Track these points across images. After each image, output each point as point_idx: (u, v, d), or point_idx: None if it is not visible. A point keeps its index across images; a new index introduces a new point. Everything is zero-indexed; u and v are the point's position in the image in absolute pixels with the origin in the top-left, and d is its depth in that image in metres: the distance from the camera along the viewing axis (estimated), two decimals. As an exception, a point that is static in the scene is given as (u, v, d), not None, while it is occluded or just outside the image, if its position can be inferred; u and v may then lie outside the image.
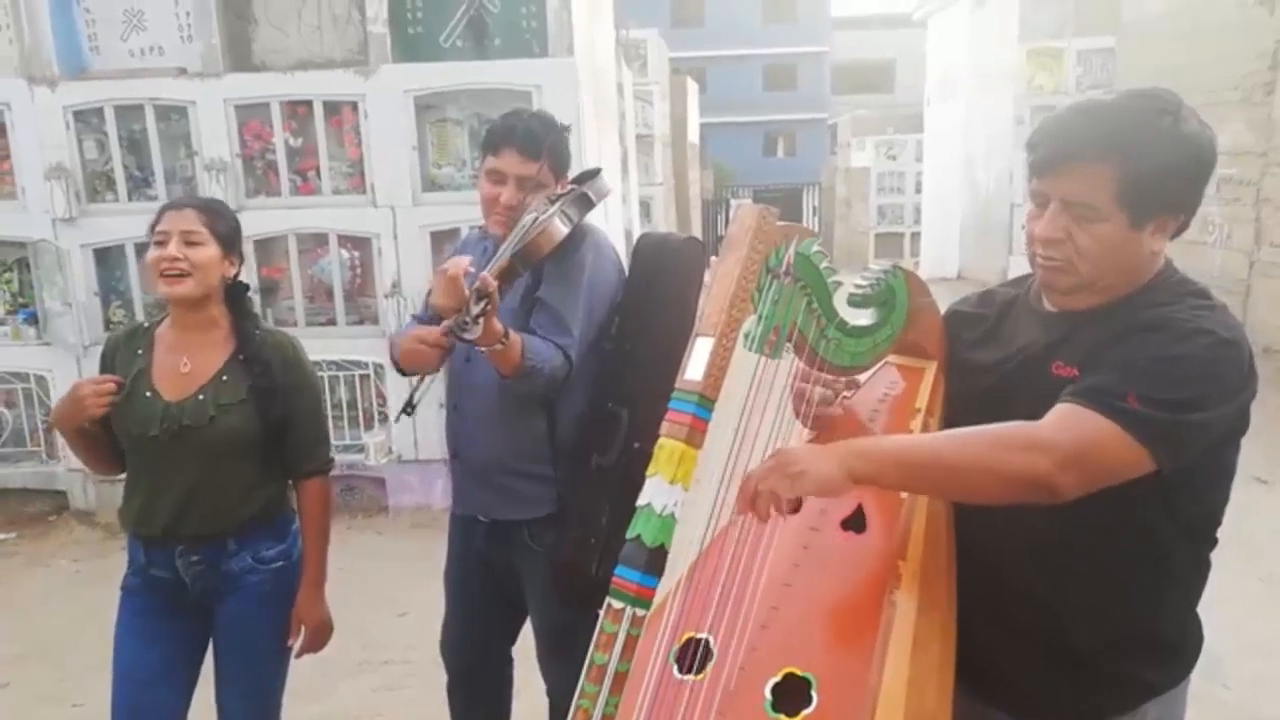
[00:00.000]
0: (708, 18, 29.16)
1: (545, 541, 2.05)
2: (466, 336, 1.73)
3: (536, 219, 1.91)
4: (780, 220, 1.18)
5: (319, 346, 4.62)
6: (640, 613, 1.01)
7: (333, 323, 4.61)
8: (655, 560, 1.07)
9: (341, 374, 4.60)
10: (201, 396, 1.94)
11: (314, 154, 4.45)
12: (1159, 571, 1.34)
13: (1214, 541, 1.38)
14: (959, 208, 14.90)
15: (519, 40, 4.42)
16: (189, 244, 1.91)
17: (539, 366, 1.89)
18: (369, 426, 4.63)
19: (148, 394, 1.94)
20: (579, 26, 4.45)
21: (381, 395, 4.63)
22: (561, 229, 1.91)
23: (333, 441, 4.81)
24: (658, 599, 1.08)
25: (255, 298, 4.54)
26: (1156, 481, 1.20)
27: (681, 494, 1.11)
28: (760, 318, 1.21)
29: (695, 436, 1.10)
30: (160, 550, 1.98)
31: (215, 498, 1.95)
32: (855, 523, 1.33)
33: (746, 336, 1.21)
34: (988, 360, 1.44)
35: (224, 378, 1.96)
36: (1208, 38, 7.21)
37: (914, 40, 20.88)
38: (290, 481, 2.07)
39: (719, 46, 28.34)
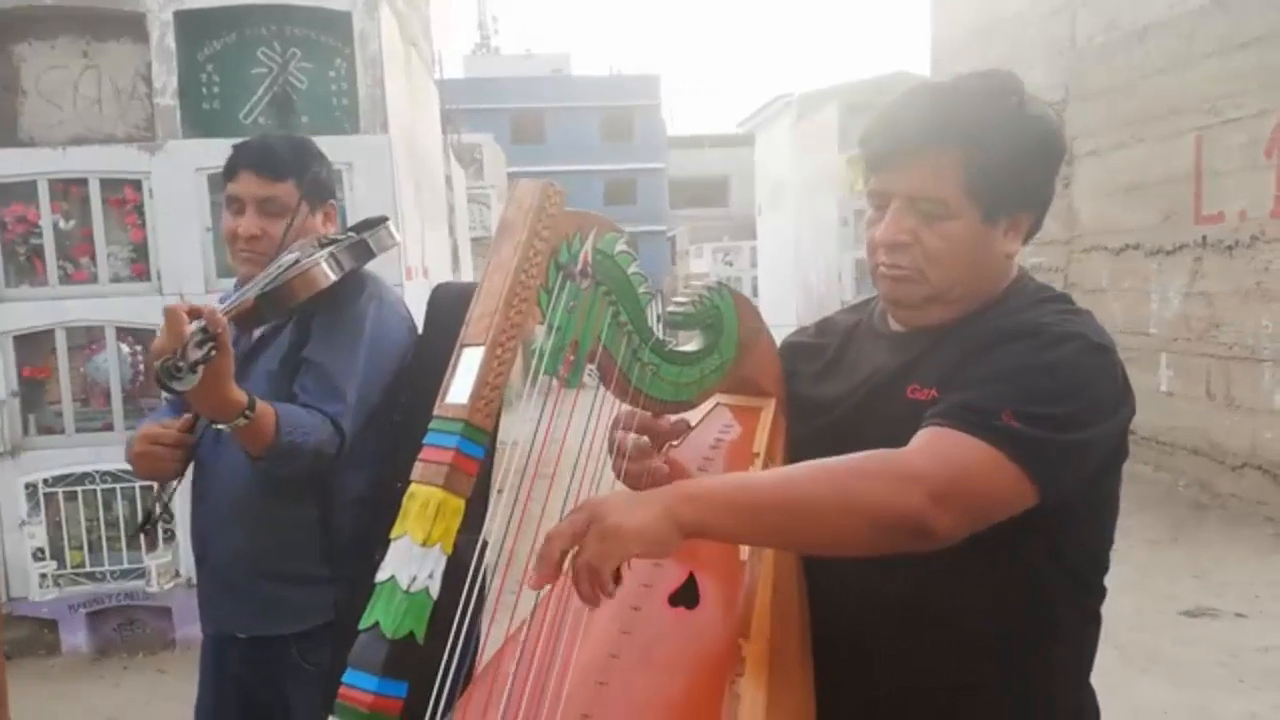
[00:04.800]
0: (548, 136, 30.00)
1: (320, 659, 1.63)
2: (176, 386, 1.34)
3: (298, 260, 1.58)
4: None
5: (92, 455, 4.01)
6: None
7: (110, 427, 4.01)
8: (399, 657, 0.75)
9: (119, 486, 3.99)
10: None
11: (89, 238, 3.95)
12: (1046, 629, 1.12)
13: (1102, 591, 1.19)
14: (794, 307, 15.42)
15: (329, 118, 4.13)
16: None
17: (299, 442, 1.53)
18: (151, 548, 4.00)
19: None
20: (395, 107, 4.22)
21: (169, 510, 4.02)
22: (327, 274, 1.57)
23: (108, 566, 4.13)
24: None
25: (15, 402, 3.93)
26: (1036, 517, 1.00)
27: (441, 559, 0.80)
28: (552, 328, 0.93)
29: (459, 479, 0.81)
30: None
31: None
32: (686, 596, 1.05)
33: (535, 353, 0.94)
34: (832, 394, 1.23)
35: None
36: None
37: (745, 157, 22.00)
38: None
39: (560, 163, 29.04)
